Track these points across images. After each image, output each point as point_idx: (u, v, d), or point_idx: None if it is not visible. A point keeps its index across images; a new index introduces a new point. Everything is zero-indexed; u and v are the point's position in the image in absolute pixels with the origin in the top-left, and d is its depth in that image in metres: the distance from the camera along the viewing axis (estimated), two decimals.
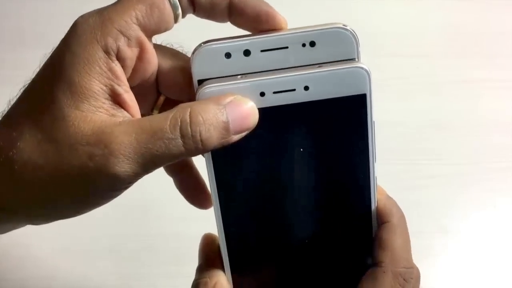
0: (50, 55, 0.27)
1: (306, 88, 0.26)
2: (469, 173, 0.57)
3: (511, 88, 0.63)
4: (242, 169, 0.28)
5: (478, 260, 0.52)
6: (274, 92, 0.26)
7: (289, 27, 0.28)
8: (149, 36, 0.28)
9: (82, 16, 0.27)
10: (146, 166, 0.26)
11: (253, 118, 0.27)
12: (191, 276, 0.32)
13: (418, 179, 0.57)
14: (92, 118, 0.26)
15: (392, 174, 0.57)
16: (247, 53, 0.27)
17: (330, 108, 0.27)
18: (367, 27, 0.67)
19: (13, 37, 0.66)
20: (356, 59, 0.27)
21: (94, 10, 0.27)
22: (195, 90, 0.27)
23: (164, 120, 0.25)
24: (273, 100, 0.26)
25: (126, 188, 0.27)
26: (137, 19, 0.26)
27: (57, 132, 0.25)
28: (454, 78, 0.63)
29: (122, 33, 0.26)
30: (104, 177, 0.25)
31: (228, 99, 0.26)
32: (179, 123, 0.25)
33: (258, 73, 0.27)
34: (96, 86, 0.26)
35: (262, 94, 0.26)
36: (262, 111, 0.27)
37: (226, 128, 0.26)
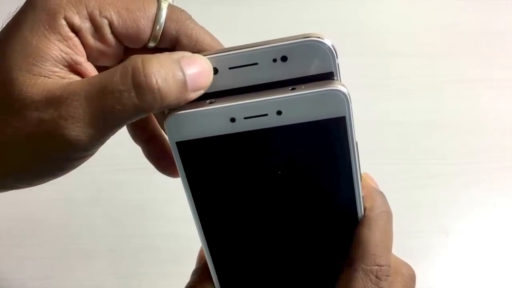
0: (14, 14, 0.25)
1: (279, 112, 0.25)
2: (469, 173, 0.57)
3: (511, 88, 0.63)
4: (219, 196, 0.27)
5: (477, 260, 0.52)
6: (245, 118, 0.25)
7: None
8: (118, 39, 0.26)
9: None
10: (100, 127, 0.23)
11: (209, 75, 0.25)
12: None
13: (418, 179, 0.57)
14: (43, 82, 0.23)
15: (392, 174, 0.57)
16: (214, 71, 0.25)
17: (306, 132, 0.25)
18: (368, 27, 0.68)
19: None
20: (334, 73, 0.25)
21: None
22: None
23: (114, 71, 0.23)
24: (244, 126, 0.25)
25: (85, 156, 0.25)
26: (111, 19, 0.25)
27: (2, 98, 0.24)
28: (454, 78, 0.63)
29: (90, 20, 0.25)
30: (55, 144, 0.23)
31: (181, 54, 0.24)
32: (130, 71, 0.23)
33: (228, 97, 0.25)
34: (55, 51, 0.24)
35: (233, 120, 0.25)
36: (234, 137, 0.25)
37: (183, 82, 0.23)
